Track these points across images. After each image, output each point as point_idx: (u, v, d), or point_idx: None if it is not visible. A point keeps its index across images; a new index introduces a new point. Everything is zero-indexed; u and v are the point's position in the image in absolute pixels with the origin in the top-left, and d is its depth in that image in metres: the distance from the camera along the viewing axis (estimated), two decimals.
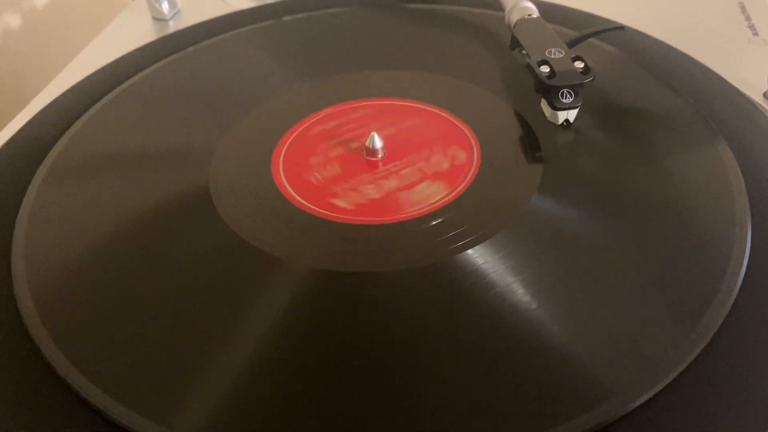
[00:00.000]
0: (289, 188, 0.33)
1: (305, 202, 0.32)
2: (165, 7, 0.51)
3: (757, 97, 0.39)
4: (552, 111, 0.35)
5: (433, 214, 0.31)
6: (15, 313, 0.28)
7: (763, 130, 0.35)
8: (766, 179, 0.32)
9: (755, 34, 0.45)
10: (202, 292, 0.29)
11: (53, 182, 0.34)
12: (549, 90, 0.35)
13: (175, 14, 0.52)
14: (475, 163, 0.34)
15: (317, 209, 0.32)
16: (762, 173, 0.32)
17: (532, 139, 0.35)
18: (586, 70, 0.35)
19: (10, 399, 0.25)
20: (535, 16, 0.39)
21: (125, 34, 0.49)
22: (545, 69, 0.35)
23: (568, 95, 0.34)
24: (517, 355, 0.25)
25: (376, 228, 0.31)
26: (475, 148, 0.35)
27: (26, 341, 0.27)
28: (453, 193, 0.32)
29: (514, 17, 0.40)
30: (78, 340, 0.27)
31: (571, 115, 0.35)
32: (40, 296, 0.29)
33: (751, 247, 0.29)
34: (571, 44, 0.37)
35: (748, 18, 0.46)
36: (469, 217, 0.31)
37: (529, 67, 0.36)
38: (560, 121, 0.35)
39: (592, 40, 0.40)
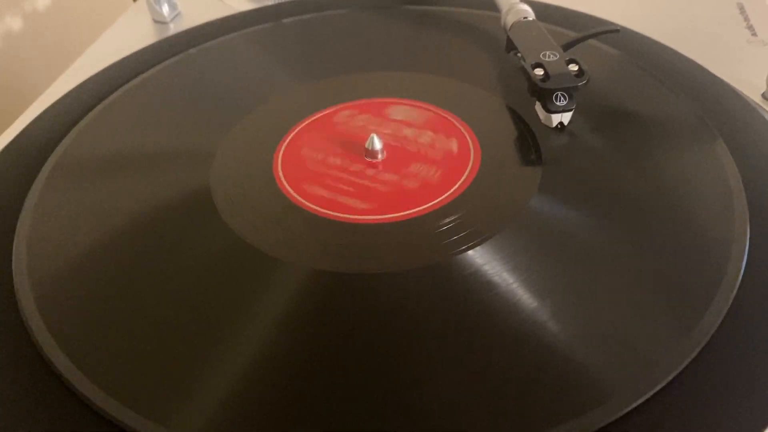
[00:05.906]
0: (290, 189, 0.33)
1: (306, 203, 0.32)
2: (165, 9, 0.51)
3: (755, 98, 0.39)
4: (546, 114, 0.35)
5: (433, 215, 0.31)
6: (16, 314, 0.28)
7: (762, 130, 0.35)
8: (764, 180, 0.32)
9: (754, 34, 0.45)
10: (204, 293, 0.29)
11: (55, 184, 0.35)
12: (543, 93, 0.35)
13: (175, 17, 0.52)
14: (474, 164, 0.34)
15: (318, 209, 0.32)
16: (760, 174, 0.32)
17: (532, 140, 0.35)
18: (580, 73, 0.34)
19: (10, 398, 0.26)
20: (530, 18, 0.39)
21: (126, 37, 0.50)
22: (539, 72, 0.35)
23: (562, 98, 0.34)
24: (517, 356, 0.25)
25: (377, 228, 0.31)
26: (474, 149, 0.35)
27: (27, 341, 0.27)
28: (452, 194, 0.32)
29: (509, 20, 0.40)
30: (79, 341, 0.27)
31: (566, 118, 0.35)
32: (41, 297, 0.29)
33: (750, 247, 0.29)
34: (567, 47, 0.37)
35: (746, 18, 0.46)
36: (469, 218, 0.31)
37: (523, 69, 0.36)
38: (554, 123, 0.35)
39: (590, 41, 0.40)
